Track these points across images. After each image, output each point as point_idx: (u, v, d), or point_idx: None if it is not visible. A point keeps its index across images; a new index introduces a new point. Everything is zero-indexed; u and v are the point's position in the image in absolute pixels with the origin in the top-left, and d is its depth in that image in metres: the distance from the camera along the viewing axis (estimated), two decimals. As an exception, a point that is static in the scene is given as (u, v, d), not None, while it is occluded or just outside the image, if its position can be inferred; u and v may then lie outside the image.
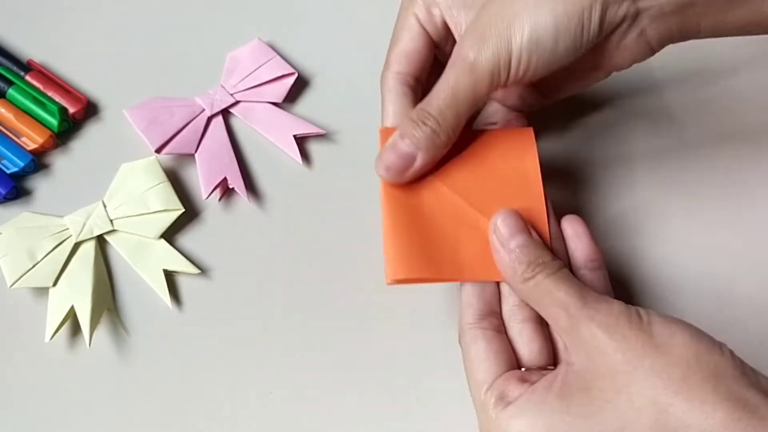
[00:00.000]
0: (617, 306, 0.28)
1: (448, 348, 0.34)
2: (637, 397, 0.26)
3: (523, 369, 0.31)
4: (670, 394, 0.25)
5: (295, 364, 0.36)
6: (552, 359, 0.32)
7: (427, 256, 0.32)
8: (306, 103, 0.43)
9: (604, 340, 0.27)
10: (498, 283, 0.33)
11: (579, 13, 0.30)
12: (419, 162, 0.32)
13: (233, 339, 0.37)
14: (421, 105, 0.32)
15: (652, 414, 0.26)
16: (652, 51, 0.33)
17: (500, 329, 0.32)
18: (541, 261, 0.30)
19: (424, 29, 0.35)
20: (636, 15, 0.31)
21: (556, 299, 0.29)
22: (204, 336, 0.37)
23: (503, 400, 0.29)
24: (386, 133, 0.34)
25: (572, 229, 0.33)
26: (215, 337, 0.37)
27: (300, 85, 0.43)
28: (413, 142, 0.32)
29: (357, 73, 0.44)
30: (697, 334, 0.27)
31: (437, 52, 0.36)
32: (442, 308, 0.37)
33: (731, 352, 0.26)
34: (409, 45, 0.35)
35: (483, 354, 0.30)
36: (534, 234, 0.31)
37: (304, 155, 0.41)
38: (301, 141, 0.41)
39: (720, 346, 0.27)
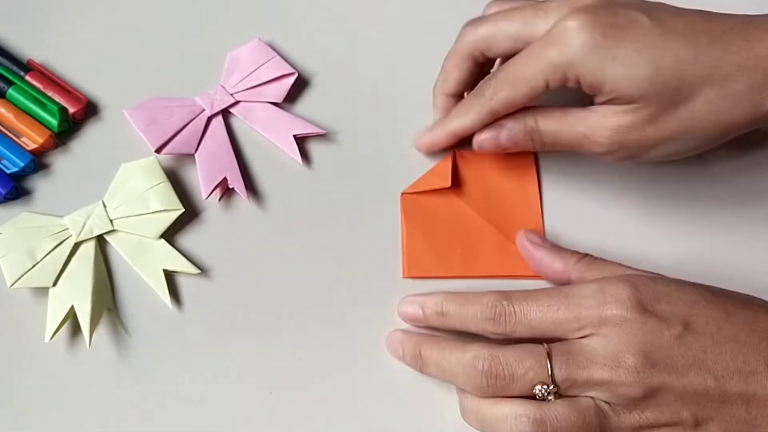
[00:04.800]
0: None
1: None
2: None
3: None
4: None
5: (295, 364, 0.36)
6: None
7: (439, 256, 0.38)
8: (306, 103, 0.43)
9: None
10: None
11: None
12: None
13: (233, 339, 0.37)
14: None
15: None
16: None
17: None
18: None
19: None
20: None
21: None
22: (204, 336, 0.37)
23: None
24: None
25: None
26: (215, 337, 0.37)
27: (300, 85, 0.43)
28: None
29: (357, 73, 0.44)
30: None
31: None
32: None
33: None
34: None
35: None
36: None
37: (304, 155, 0.41)
38: (301, 141, 0.41)
39: None
